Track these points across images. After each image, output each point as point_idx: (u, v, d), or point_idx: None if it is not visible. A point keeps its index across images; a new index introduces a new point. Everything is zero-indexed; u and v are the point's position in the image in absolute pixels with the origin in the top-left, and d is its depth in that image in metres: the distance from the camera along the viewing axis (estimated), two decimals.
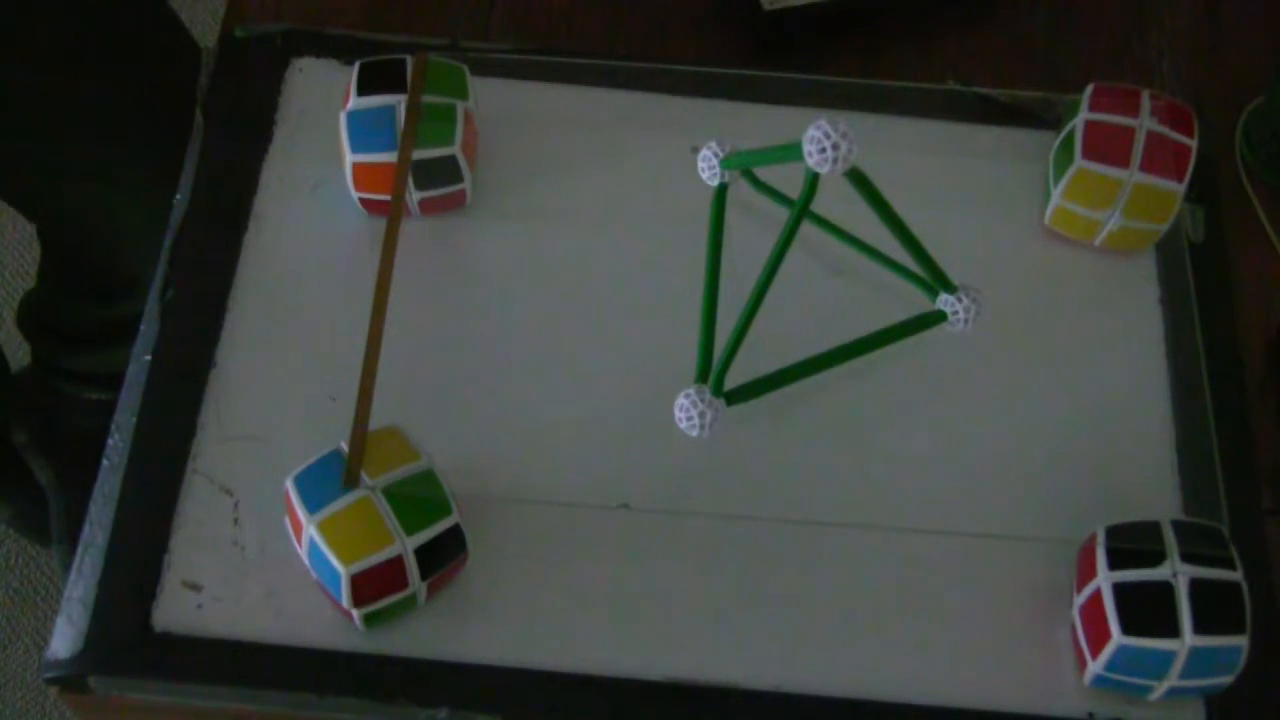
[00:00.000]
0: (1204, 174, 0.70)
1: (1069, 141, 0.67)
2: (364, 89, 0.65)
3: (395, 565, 0.55)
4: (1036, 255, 0.69)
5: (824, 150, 0.53)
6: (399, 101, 0.64)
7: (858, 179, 0.56)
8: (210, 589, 0.59)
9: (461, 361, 0.64)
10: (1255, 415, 0.66)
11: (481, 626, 0.58)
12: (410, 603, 0.57)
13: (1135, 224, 0.67)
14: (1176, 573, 0.55)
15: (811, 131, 0.53)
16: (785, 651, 0.59)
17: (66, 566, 1.23)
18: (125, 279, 0.99)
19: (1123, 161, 0.65)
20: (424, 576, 0.56)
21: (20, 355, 1.20)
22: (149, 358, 0.64)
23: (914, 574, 0.61)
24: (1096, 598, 0.56)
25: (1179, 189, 0.66)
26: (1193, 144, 0.66)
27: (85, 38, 0.83)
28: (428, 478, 0.56)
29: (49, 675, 0.58)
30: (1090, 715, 0.58)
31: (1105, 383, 0.66)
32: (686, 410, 0.56)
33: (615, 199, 0.69)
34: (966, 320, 0.61)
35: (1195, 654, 0.54)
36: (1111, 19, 0.80)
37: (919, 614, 0.60)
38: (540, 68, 0.73)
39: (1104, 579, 0.56)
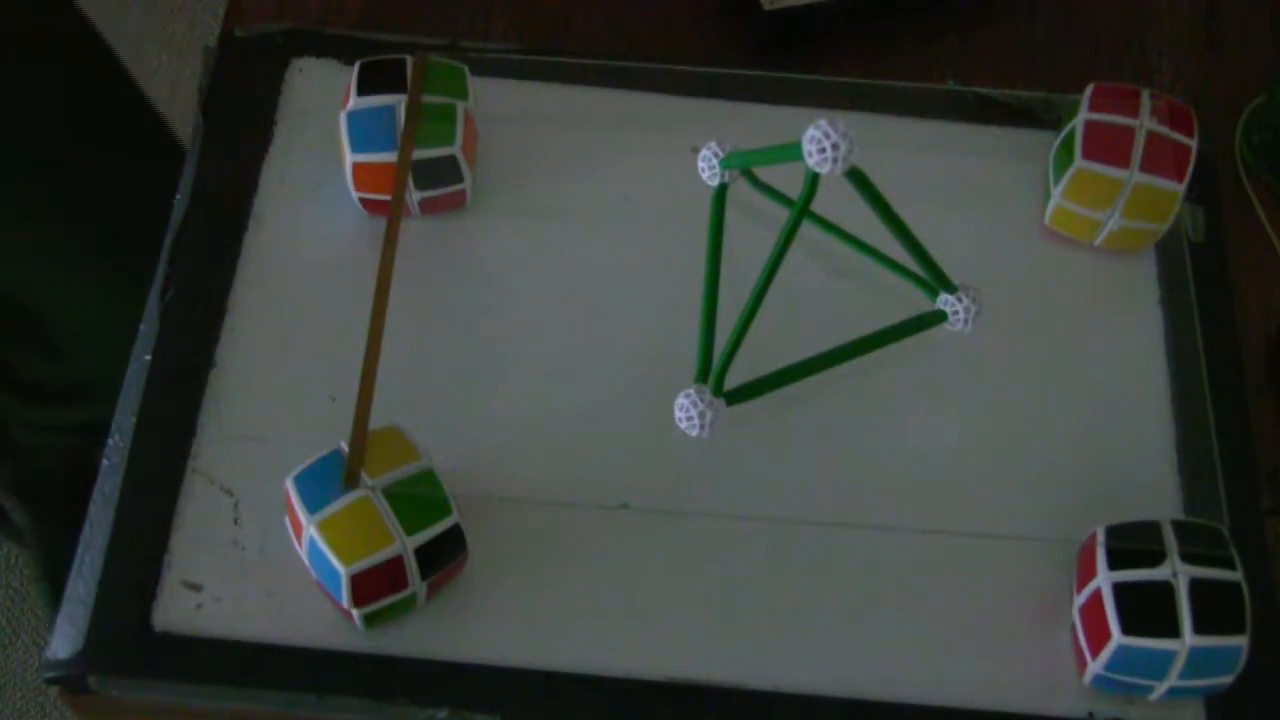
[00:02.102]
0: (1204, 174, 0.70)
1: (1069, 141, 0.67)
2: (364, 89, 0.65)
3: (395, 565, 0.55)
4: (1036, 255, 0.69)
5: (824, 150, 0.53)
6: (399, 101, 0.64)
7: (858, 179, 0.56)
8: (210, 589, 0.59)
9: (461, 361, 0.64)
10: (1255, 415, 0.66)
11: (481, 626, 0.58)
12: (410, 603, 0.57)
13: (1135, 224, 0.67)
14: (1176, 573, 0.55)
15: (811, 131, 0.53)
16: (785, 651, 0.59)
17: (49, 605, 1.20)
18: (77, 347, 0.97)
19: (1123, 161, 0.65)
20: (424, 576, 0.56)
21: None
22: (149, 358, 0.64)
23: (914, 574, 0.61)
24: (1096, 598, 0.56)
25: (1179, 189, 0.66)
26: (1193, 144, 0.66)
27: (65, 128, 0.83)
28: (428, 478, 0.56)
29: (49, 675, 0.58)
30: (1090, 715, 0.58)
31: (1105, 382, 0.66)
32: (686, 410, 0.56)
33: (615, 199, 0.69)
34: (966, 320, 0.61)
35: (1195, 654, 0.54)
36: (1111, 19, 0.80)
37: (919, 614, 0.60)
38: (540, 68, 0.73)
39: (1104, 579, 0.56)
